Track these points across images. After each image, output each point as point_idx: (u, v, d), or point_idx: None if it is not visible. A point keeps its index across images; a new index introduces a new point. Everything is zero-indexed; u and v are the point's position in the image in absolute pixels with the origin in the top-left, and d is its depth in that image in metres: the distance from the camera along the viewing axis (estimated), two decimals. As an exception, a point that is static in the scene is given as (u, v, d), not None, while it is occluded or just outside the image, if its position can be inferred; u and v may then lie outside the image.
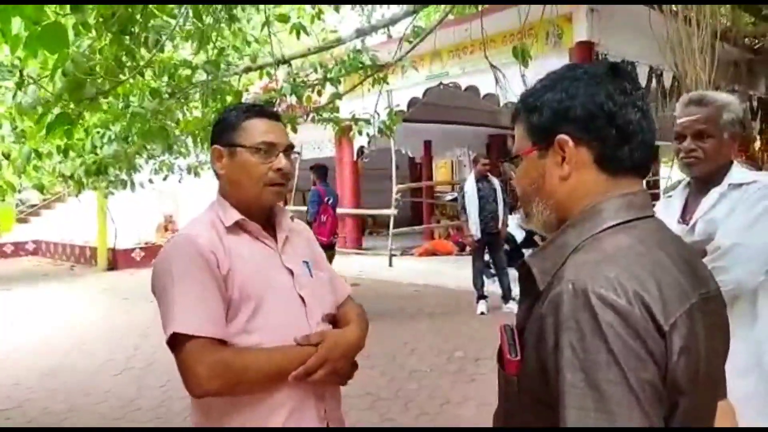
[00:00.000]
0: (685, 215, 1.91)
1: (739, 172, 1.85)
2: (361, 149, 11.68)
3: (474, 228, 6.55)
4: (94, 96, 2.66)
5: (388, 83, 5.29)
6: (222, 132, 1.46)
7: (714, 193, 1.83)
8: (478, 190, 6.61)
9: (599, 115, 0.87)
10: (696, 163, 1.85)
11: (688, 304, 0.79)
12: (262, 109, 1.50)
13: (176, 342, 1.28)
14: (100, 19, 2.66)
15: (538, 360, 0.82)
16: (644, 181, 0.93)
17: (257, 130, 1.43)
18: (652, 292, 0.76)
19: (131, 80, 3.39)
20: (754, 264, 1.70)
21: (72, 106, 2.75)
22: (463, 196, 6.74)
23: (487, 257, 7.03)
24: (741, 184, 1.80)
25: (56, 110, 2.78)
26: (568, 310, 0.77)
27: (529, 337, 0.85)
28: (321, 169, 6.98)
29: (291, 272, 1.45)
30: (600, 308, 0.74)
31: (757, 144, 10.64)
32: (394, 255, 10.56)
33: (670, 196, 2.04)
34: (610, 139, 0.87)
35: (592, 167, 0.89)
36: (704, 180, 1.87)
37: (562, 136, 0.89)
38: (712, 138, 1.82)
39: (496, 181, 6.75)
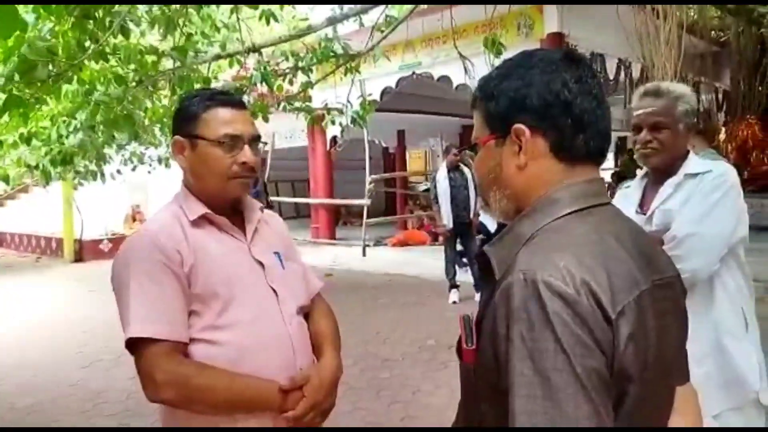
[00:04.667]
0: (642, 205, 1.95)
1: (695, 162, 1.89)
2: (334, 139, 11.61)
3: (446, 218, 6.59)
4: (47, 79, 2.57)
5: (360, 72, 5.25)
6: (183, 122, 1.39)
7: (670, 183, 1.87)
8: (450, 180, 6.65)
9: (555, 104, 0.87)
10: (652, 154, 1.87)
11: (638, 291, 0.80)
12: (226, 97, 1.42)
13: (135, 345, 1.25)
14: (62, 4, 2.58)
15: (492, 348, 0.82)
16: (600, 169, 0.94)
17: (220, 120, 1.36)
18: (600, 280, 0.77)
19: (94, 65, 3.31)
20: (709, 252, 1.74)
21: (25, 89, 2.66)
22: (435, 186, 6.77)
23: (459, 247, 7.08)
24: (696, 174, 1.84)
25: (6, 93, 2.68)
26: (518, 300, 0.77)
27: (486, 326, 0.85)
28: None
29: (262, 265, 1.41)
30: (548, 297, 0.75)
31: (722, 135, 10.90)
32: (368, 245, 10.55)
33: (629, 187, 2.08)
34: (566, 128, 0.87)
35: (548, 156, 0.88)
36: (661, 170, 1.90)
37: (519, 126, 0.88)
38: (668, 129, 1.84)
39: (467, 171, 6.79)
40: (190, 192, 1.41)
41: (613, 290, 0.77)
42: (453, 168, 6.78)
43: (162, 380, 1.22)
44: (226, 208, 1.42)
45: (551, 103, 0.87)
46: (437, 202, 6.70)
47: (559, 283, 0.75)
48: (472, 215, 6.72)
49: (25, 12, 2.55)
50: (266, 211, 1.56)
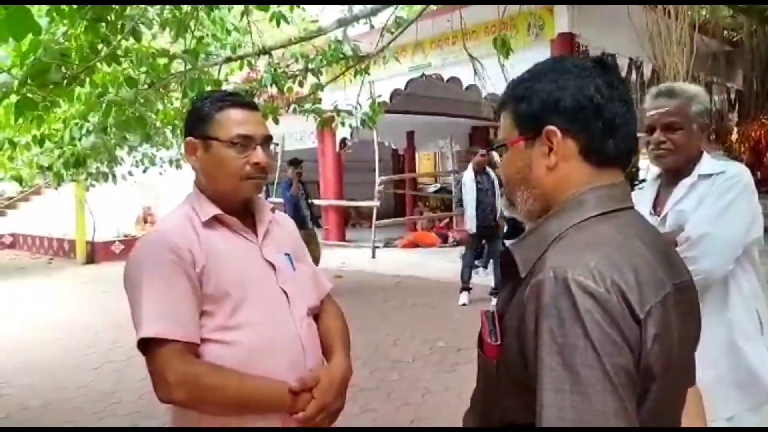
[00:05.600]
0: (656, 206, 1.93)
1: (708, 162, 1.86)
2: (343, 141, 11.64)
3: (470, 222, 6.47)
4: (61, 81, 2.59)
5: (370, 74, 5.26)
6: (195, 123, 1.39)
7: (684, 184, 1.85)
8: (477, 183, 6.51)
9: (587, 108, 0.89)
10: (666, 154, 1.86)
11: (663, 293, 0.82)
12: (238, 99, 1.43)
13: (147, 345, 1.25)
14: (75, 6, 2.60)
15: (518, 344, 0.84)
16: (624, 173, 0.96)
17: (233, 121, 1.36)
18: (629, 281, 0.78)
19: (106, 68, 3.33)
20: (723, 253, 1.72)
21: (37, 91, 2.68)
22: (460, 189, 6.67)
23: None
24: (710, 175, 1.82)
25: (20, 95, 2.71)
26: (548, 297, 0.78)
27: (510, 322, 0.87)
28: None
29: (273, 266, 1.41)
30: (579, 295, 0.76)
31: (734, 135, 10.80)
32: (377, 247, 10.56)
33: (642, 188, 2.06)
34: (597, 131, 0.89)
35: (577, 158, 0.90)
36: (675, 171, 1.88)
37: (551, 127, 0.90)
38: (682, 129, 1.83)
39: (493, 174, 6.67)
40: (203, 193, 1.41)
41: (642, 291, 0.79)
42: (480, 170, 6.63)
43: (173, 381, 1.23)
44: (238, 209, 1.42)
45: (584, 106, 0.89)
46: (461, 206, 6.60)
47: (590, 282, 0.77)
48: (498, 218, 6.62)
49: (39, 16, 2.58)
50: (277, 212, 1.56)
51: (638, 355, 0.77)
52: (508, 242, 0.91)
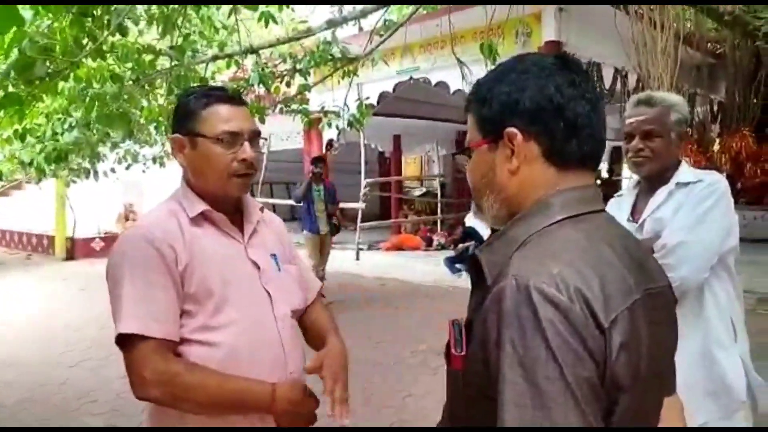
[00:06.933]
0: (634, 214, 1.95)
1: (686, 171, 1.89)
2: (330, 142, 11.61)
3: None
4: (46, 76, 2.55)
5: (358, 76, 5.26)
6: (182, 120, 1.38)
7: (662, 191, 1.87)
8: None
9: (547, 108, 0.86)
10: (644, 162, 1.88)
11: (631, 300, 0.79)
12: (224, 94, 1.41)
13: (125, 341, 1.24)
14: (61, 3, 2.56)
15: (482, 354, 0.81)
16: (594, 175, 0.93)
17: (219, 117, 1.35)
18: (594, 289, 0.76)
19: (91, 63, 3.29)
20: (699, 261, 1.74)
21: (21, 86, 2.64)
22: None
23: (452, 253, 7.08)
24: (688, 183, 1.85)
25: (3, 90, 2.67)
26: (510, 306, 0.76)
27: (475, 331, 0.84)
28: None
29: (257, 266, 1.39)
30: (541, 304, 0.74)
31: (716, 146, 10.96)
32: (361, 249, 10.54)
33: (621, 195, 2.09)
34: (558, 132, 0.86)
35: (540, 161, 0.87)
36: (653, 179, 1.91)
37: (511, 129, 0.87)
38: (660, 137, 1.85)
39: None
40: (191, 189, 1.39)
41: (607, 299, 0.76)
42: None
43: (150, 378, 1.21)
44: (226, 207, 1.41)
45: (543, 106, 0.86)
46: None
47: (553, 290, 0.74)
48: None
49: (23, 9, 2.54)
50: (266, 211, 1.55)
51: (603, 366, 0.74)
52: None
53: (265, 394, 1.28)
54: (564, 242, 0.82)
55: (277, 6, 4.25)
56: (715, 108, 11.74)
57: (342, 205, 12.72)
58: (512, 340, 0.75)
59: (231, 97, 1.41)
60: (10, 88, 2.68)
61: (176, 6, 3.37)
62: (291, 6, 4.69)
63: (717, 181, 1.84)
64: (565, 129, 0.86)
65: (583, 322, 0.74)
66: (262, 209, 1.51)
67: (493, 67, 0.98)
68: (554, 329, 0.73)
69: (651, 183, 1.92)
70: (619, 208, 1.98)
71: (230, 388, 1.26)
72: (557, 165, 0.88)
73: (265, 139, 1.60)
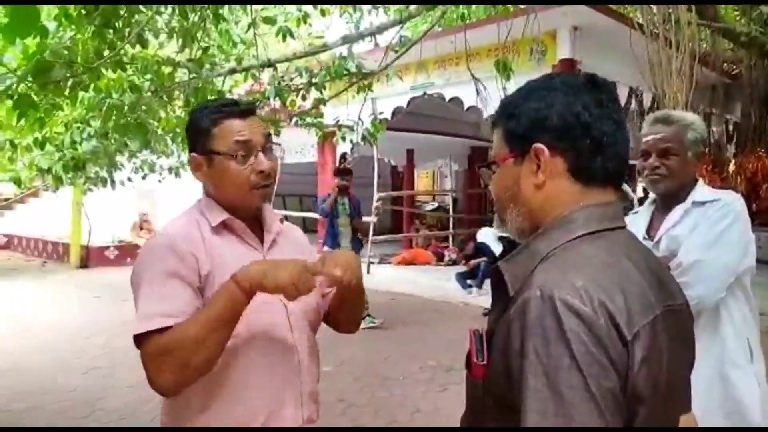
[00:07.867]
0: (650, 231, 1.95)
1: (703, 190, 1.89)
2: (343, 155, 11.67)
3: None
4: (64, 81, 2.59)
5: (372, 91, 5.31)
6: (195, 139, 1.40)
7: (678, 210, 1.87)
8: None
9: (574, 126, 0.88)
10: (661, 180, 1.88)
11: (652, 315, 0.80)
12: (233, 108, 1.40)
13: (141, 340, 1.24)
14: (83, 12, 2.63)
15: (504, 364, 0.82)
16: (617, 193, 0.94)
17: (231, 132, 1.35)
18: (617, 302, 0.78)
19: (111, 74, 3.35)
20: (716, 281, 1.73)
21: (40, 92, 2.68)
22: None
23: (463, 269, 7.06)
24: (704, 202, 1.84)
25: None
26: (534, 316, 0.78)
27: (497, 341, 0.86)
28: None
29: None
30: (565, 315, 0.75)
31: (732, 167, 10.87)
32: (372, 262, 10.55)
33: (637, 213, 2.08)
34: (584, 149, 0.89)
35: (565, 177, 0.90)
36: (669, 197, 1.91)
37: (538, 145, 0.90)
38: (677, 156, 1.86)
39: None
40: (212, 200, 1.41)
41: (629, 313, 0.78)
42: None
43: (152, 368, 1.20)
44: (247, 217, 1.42)
45: (571, 124, 0.88)
46: None
47: (577, 301, 0.76)
48: None
49: (47, 20, 2.60)
50: (286, 223, 1.55)
51: (625, 378, 0.76)
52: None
53: (228, 284, 1.23)
54: (587, 257, 0.84)
55: (295, 21, 4.32)
56: (731, 128, 11.67)
57: (354, 218, 12.79)
58: (536, 349, 0.76)
59: (240, 110, 1.40)
60: (26, 92, 2.72)
61: (196, 20, 3.44)
62: (308, 21, 4.75)
63: (734, 201, 1.84)
64: (591, 146, 0.89)
65: (606, 334, 0.75)
66: (282, 220, 1.52)
67: (511, 86, 1.00)
68: (578, 340, 0.75)
69: (667, 201, 1.92)
70: (634, 225, 1.98)
71: (207, 310, 1.22)
72: (582, 181, 0.90)
73: (279, 144, 1.61)
